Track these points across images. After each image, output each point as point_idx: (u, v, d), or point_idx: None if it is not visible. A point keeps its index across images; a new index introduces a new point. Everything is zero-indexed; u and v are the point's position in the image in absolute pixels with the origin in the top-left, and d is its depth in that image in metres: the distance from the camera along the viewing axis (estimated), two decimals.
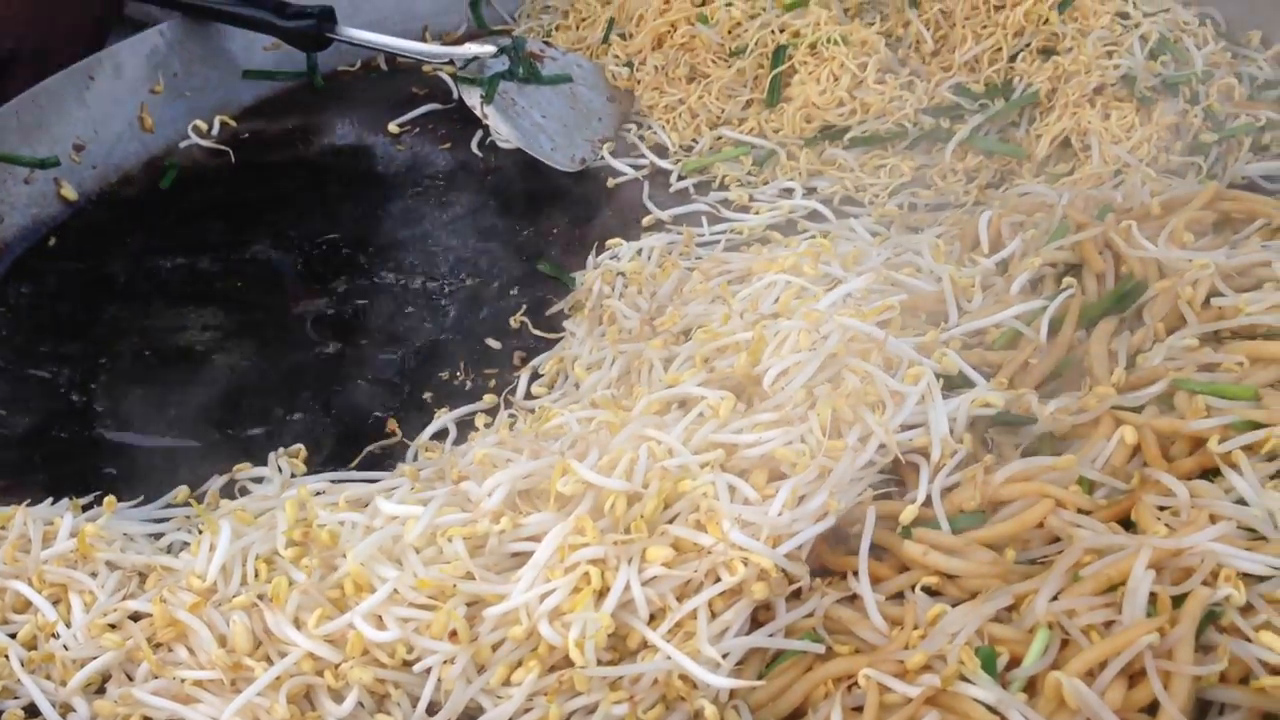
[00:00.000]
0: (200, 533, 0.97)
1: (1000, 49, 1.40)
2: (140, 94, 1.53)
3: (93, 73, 1.50)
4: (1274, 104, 1.36)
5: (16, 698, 0.89)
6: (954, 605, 0.82)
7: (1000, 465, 0.90)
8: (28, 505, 1.01)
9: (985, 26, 1.41)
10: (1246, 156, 1.31)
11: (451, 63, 1.48)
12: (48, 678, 0.89)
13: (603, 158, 1.45)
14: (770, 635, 0.84)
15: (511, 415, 1.13)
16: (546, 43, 1.55)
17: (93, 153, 1.48)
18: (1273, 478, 0.82)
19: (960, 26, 1.42)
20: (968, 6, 1.42)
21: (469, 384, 1.20)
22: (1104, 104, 1.32)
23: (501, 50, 1.49)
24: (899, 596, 0.86)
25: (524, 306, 1.27)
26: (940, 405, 0.94)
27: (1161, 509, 0.81)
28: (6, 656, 0.90)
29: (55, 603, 0.93)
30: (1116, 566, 0.76)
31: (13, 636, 0.92)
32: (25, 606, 0.94)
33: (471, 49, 1.49)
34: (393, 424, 1.15)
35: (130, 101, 1.52)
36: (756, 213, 1.35)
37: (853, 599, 0.86)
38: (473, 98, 1.44)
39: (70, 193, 1.44)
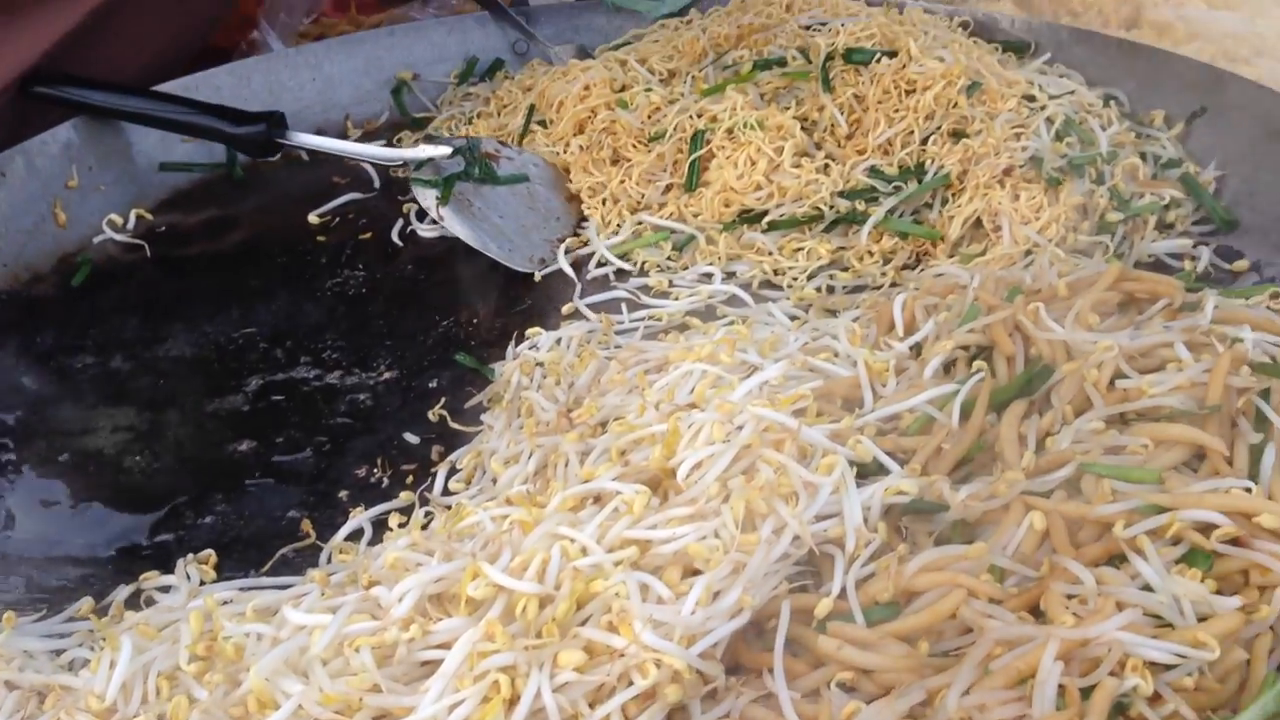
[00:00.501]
0: (102, 648, 0.94)
1: (912, 132, 1.42)
2: (54, 189, 1.52)
3: (3, 169, 1.48)
4: (1177, 183, 1.40)
5: None
6: (869, 701, 0.81)
7: (914, 554, 0.89)
8: None
9: (897, 110, 1.44)
10: (1152, 235, 1.34)
11: (406, 165, 1.47)
12: None
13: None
14: None
15: (428, 513, 1.11)
16: (502, 142, 1.55)
17: (2, 250, 1.45)
18: (1178, 562, 0.82)
19: (873, 110, 1.44)
20: (879, 91, 1.45)
21: (386, 480, 1.18)
22: (1013, 185, 1.34)
23: (456, 151, 1.48)
24: (814, 694, 0.84)
25: (443, 399, 1.26)
26: (854, 495, 0.94)
27: (1070, 597, 0.81)
28: None
29: None
30: (1026, 659, 0.76)
31: None
32: None
33: (426, 150, 1.48)
34: (307, 525, 1.13)
35: (43, 197, 1.51)
36: (676, 298, 1.35)
37: (769, 697, 0.84)
38: (428, 200, 1.43)
39: None
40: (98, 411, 1.29)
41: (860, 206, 1.39)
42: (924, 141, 1.42)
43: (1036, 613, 0.83)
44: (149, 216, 1.57)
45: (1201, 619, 0.79)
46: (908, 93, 1.45)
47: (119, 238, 1.53)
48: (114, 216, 1.55)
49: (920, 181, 1.38)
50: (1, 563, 1.12)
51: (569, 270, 1.41)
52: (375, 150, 1.53)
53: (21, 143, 1.52)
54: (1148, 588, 0.80)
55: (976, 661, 0.77)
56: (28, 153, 1.51)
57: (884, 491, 0.94)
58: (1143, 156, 1.42)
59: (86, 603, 1.05)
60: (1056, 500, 0.89)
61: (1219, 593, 0.80)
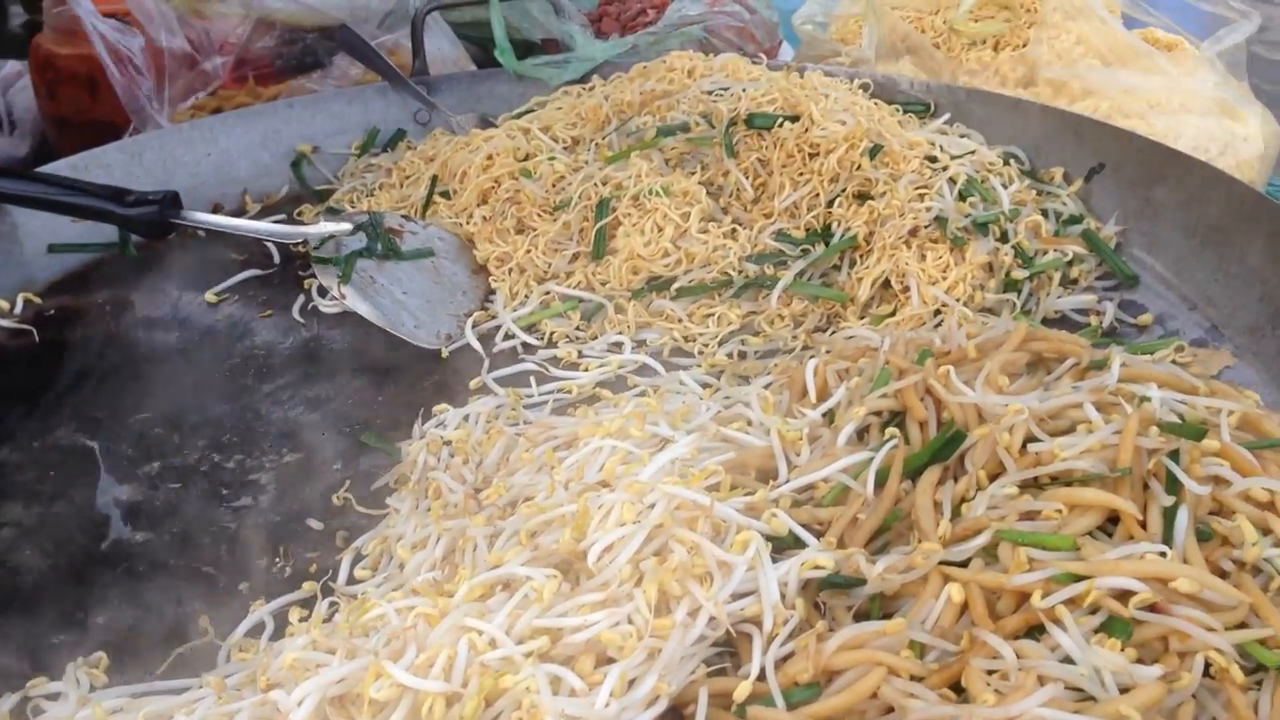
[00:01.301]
0: None
1: (818, 195, 1.42)
2: None
3: None
4: (1079, 239, 1.41)
5: None
6: None
7: (833, 630, 0.87)
8: None
9: (802, 174, 1.44)
10: (1057, 291, 1.35)
11: (305, 242, 1.43)
12: None
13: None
14: None
15: (332, 604, 1.07)
16: (406, 217, 1.52)
17: None
18: (1097, 631, 0.81)
19: (778, 174, 1.44)
20: (783, 155, 1.45)
21: (289, 569, 1.13)
22: (919, 245, 1.34)
23: (358, 227, 1.45)
24: None
25: (348, 482, 1.22)
26: (770, 571, 0.92)
27: (991, 671, 0.79)
28: None
29: None
30: None
31: None
32: None
33: (327, 227, 1.44)
34: (204, 621, 1.08)
35: None
36: (586, 369, 1.33)
37: None
38: (329, 278, 1.39)
39: None
40: None
41: (769, 270, 1.38)
42: (829, 204, 1.42)
43: (958, 689, 0.81)
44: (37, 300, 1.51)
45: (1124, 690, 0.77)
46: (811, 156, 1.45)
47: (5, 323, 1.47)
48: (0, 302, 1.49)
49: (828, 244, 1.38)
50: None
51: (476, 345, 1.38)
52: (273, 228, 1.49)
53: None
54: (1068, 659, 0.79)
55: None
56: None
57: (800, 566, 0.92)
58: (1044, 213, 1.43)
59: None
60: (974, 570, 0.88)
61: (1139, 661, 0.79)
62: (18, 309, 1.49)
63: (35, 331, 1.46)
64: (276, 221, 1.62)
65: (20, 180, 1.51)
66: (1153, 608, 0.81)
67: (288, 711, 0.84)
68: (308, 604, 1.07)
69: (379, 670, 0.83)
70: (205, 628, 1.07)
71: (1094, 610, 0.82)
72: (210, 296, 1.52)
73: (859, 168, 1.42)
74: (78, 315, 1.50)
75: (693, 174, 1.48)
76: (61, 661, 1.05)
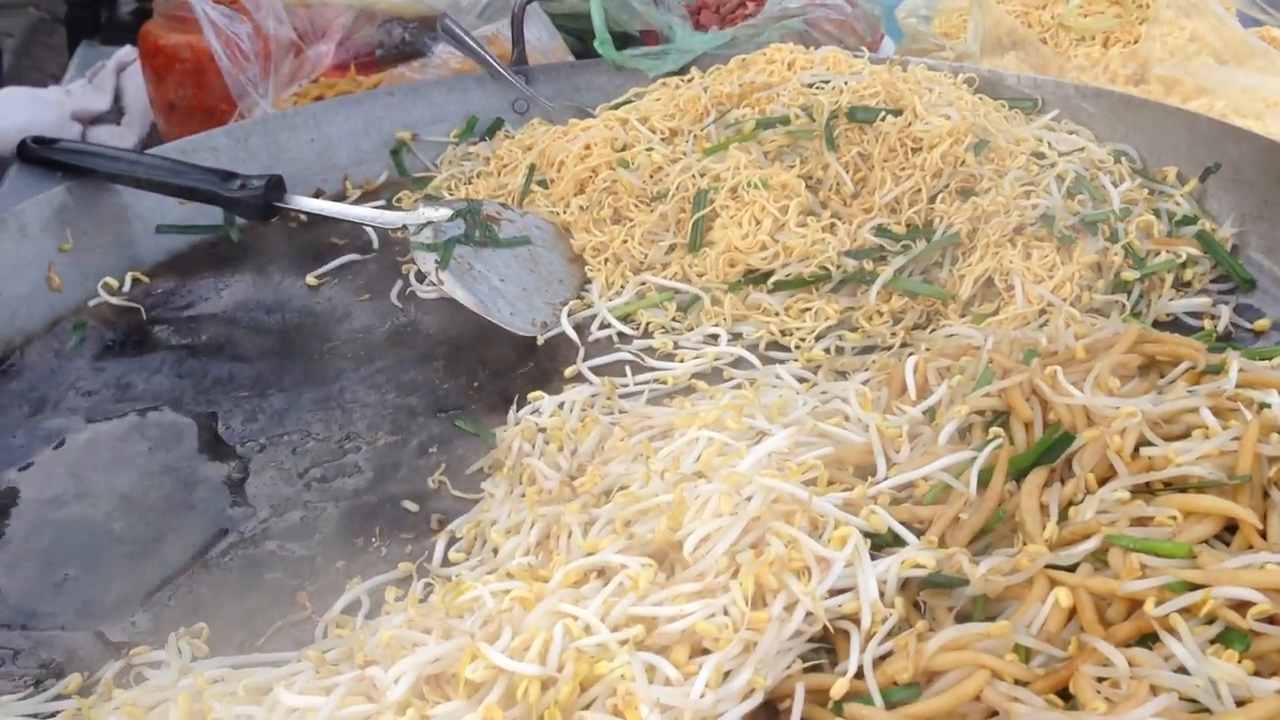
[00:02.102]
0: None
1: (919, 190, 1.40)
2: (48, 252, 1.49)
3: None
4: (1193, 240, 1.37)
5: None
6: None
7: (933, 631, 0.86)
8: None
9: (904, 168, 1.42)
10: (1169, 293, 1.32)
11: (405, 228, 1.45)
12: None
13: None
14: None
15: (427, 584, 1.07)
16: (504, 204, 1.53)
17: None
18: (1213, 641, 0.78)
19: (879, 169, 1.42)
20: (885, 149, 1.43)
21: (384, 550, 1.14)
22: (1025, 243, 1.31)
23: (457, 214, 1.46)
24: None
25: (443, 465, 1.22)
26: (869, 568, 0.90)
27: (1100, 679, 0.77)
28: None
29: None
30: None
31: None
32: None
33: (425, 213, 1.45)
34: (303, 598, 1.09)
35: (37, 260, 1.48)
36: (681, 360, 1.32)
37: None
38: (427, 264, 1.40)
39: None
40: (89, 478, 1.25)
41: (868, 266, 1.36)
42: (931, 200, 1.39)
43: (1064, 695, 0.79)
44: (145, 279, 1.55)
45: (1240, 703, 0.75)
46: (914, 150, 1.42)
47: (114, 301, 1.50)
48: (109, 279, 1.52)
49: (929, 240, 1.36)
50: None
51: (572, 333, 1.38)
52: (373, 213, 1.51)
53: (14, 207, 1.50)
54: (1182, 669, 0.76)
55: None
56: (20, 216, 1.48)
57: (900, 564, 0.91)
58: (1156, 213, 1.39)
59: (73, 680, 1.01)
60: (1082, 575, 0.85)
61: (1257, 674, 0.76)
62: (126, 287, 1.53)
63: (142, 310, 1.50)
64: (376, 207, 1.64)
65: (131, 161, 1.54)
66: (1271, 619, 0.79)
67: (384, 688, 0.85)
68: (402, 584, 1.08)
69: (475, 652, 0.83)
70: (303, 604, 1.09)
71: (1210, 620, 0.79)
72: (310, 280, 1.54)
73: (963, 163, 1.39)
74: (184, 295, 1.54)
75: (791, 167, 1.47)
76: (163, 631, 1.07)
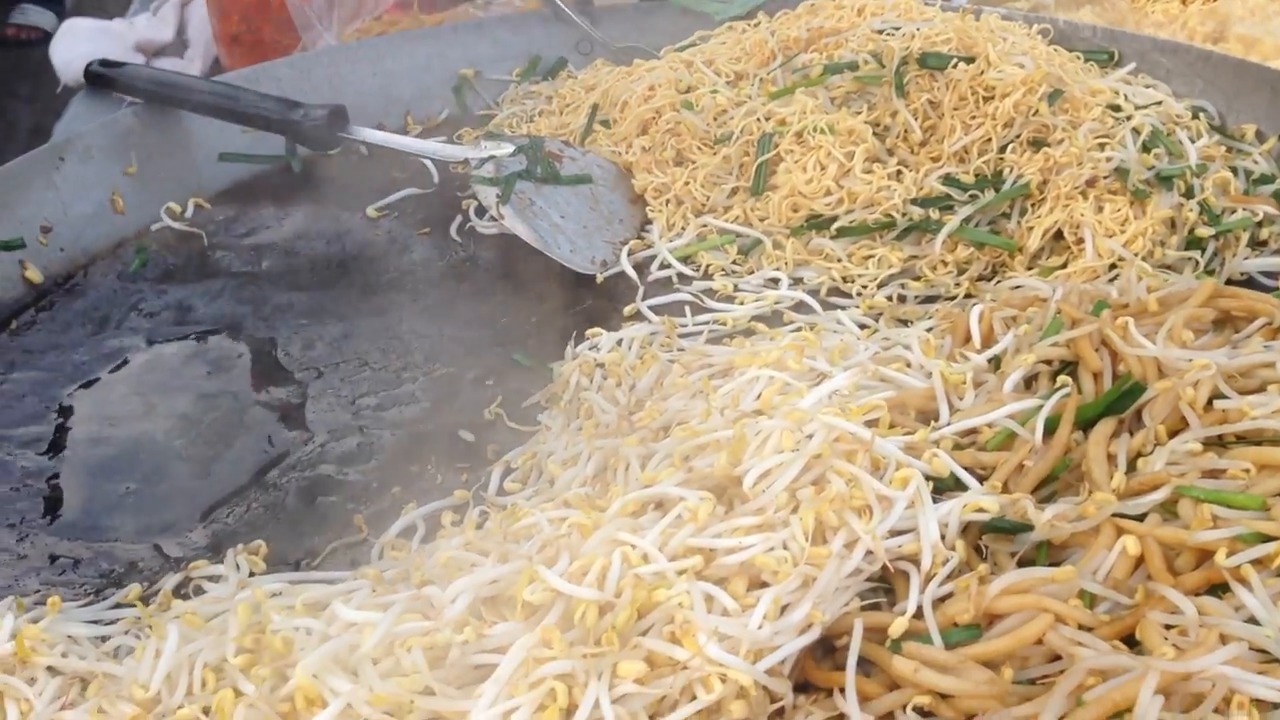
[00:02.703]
0: (148, 637, 0.91)
1: (990, 140, 1.37)
2: (112, 176, 1.50)
3: (63, 154, 1.47)
4: (1270, 199, 1.34)
5: None
6: None
7: (995, 575, 0.85)
8: None
9: (974, 117, 1.39)
10: (1244, 252, 1.29)
11: (467, 162, 1.44)
12: None
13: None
14: None
15: (482, 512, 1.08)
16: (566, 143, 1.52)
17: (60, 235, 1.44)
18: None
19: (949, 117, 1.40)
20: (955, 97, 1.40)
21: (440, 478, 1.15)
22: (1097, 196, 1.29)
23: (519, 149, 1.45)
24: (890, 716, 0.80)
25: (499, 398, 1.22)
26: (930, 510, 0.89)
27: (1168, 627, 0.76)
28: None
29: None
30: (1122, 690, 0.71)
31: None
32: None
33: (488, 148, 1.45)
34: (359, 520, 1.10)
35: (102, 183, 1.49)
36: (741, 303, 1.31)
37: (840, 718, 0.80)
38: (488, 198, 1.40)
39: (35, 275, 1.40)
40: (151, 397, 1.27)
41: (934, 214, 1.34)
42: (1002, 150, 1.37)
43: (1130, 642, 0.78)
44: (207, 206, 1.56)
45: None
46: (985, 99, 1.40)
47: (177, 226, 1.51)
48: (172, 205, 1.53)
49: (998, 190, 1.33)
50: (48, 546, 1.10)
51: (631, 272, 1.38)
52: (436, 147, 1.50)
53: (81, 129, 1.51)
54: (1252, 620, 0.75)
55: (1067, 691, 0.73)
56: (86, 139, 1.50)
57: (963, 508, 0.90)
58: (1234, 171, 1.36)
59: (133, 589, 1.03)
60: (1151, 524, 0.84)
61: None
62: (188, 212, 1.54)
63: (203, 235, 1.51)
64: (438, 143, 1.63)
65: (196, 87, 1.55)
66: None
67: (441, 607, 0.85)
68: (458, 511, 1.09)
69: (533, 574, 0.83)
70: (359, 527, 1.10)
71: None
72: (371, 212, 1.54)
73: (1036, 113, 1.36)
74: (244, 222, 1.54)
75: (858, 113, 1.44)
76: (220, 547, 1.09)
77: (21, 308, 1.38)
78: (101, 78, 1.55)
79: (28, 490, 1.17)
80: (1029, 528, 0.87)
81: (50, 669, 0.90)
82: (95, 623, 0.98)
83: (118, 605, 1.02)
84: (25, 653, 0.89)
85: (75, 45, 2.28)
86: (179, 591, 1.02)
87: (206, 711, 0.82)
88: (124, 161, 1.51)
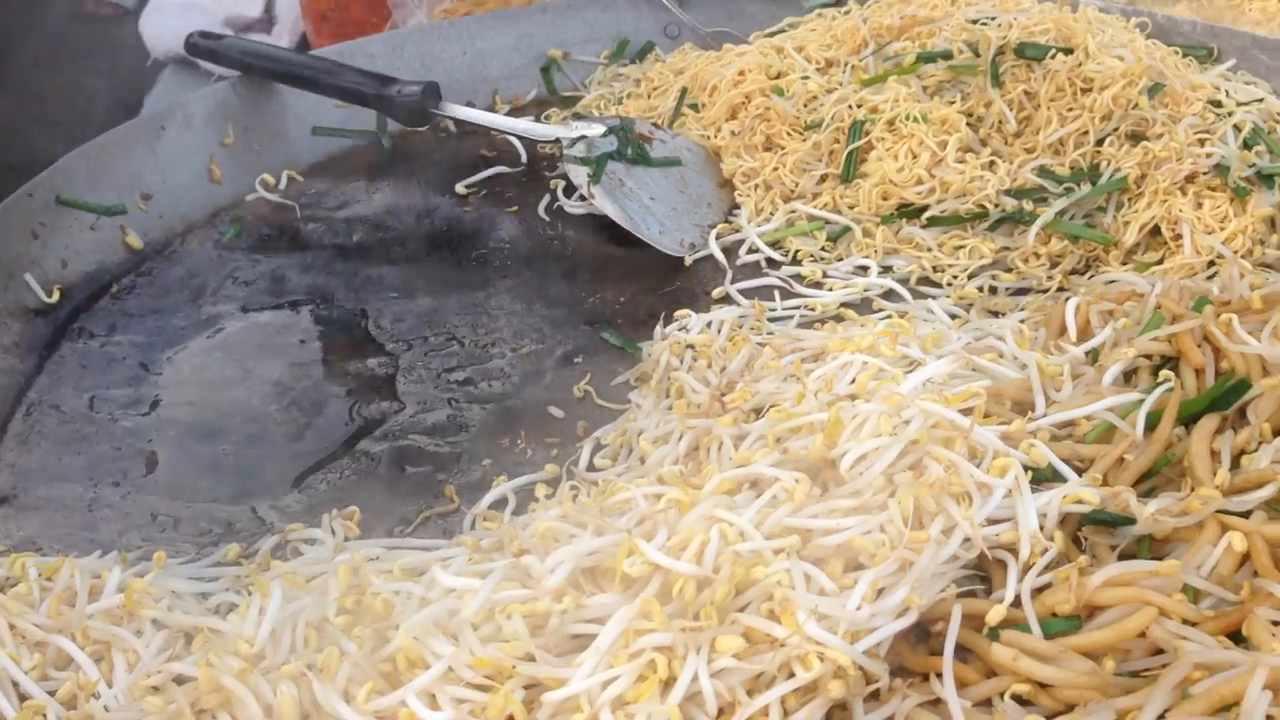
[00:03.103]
0: (249, 594, 0.94)
1: (1087, 132, 1.36)
2: (210, 145, 1.53)
3: (164, 122, 1.50)
4: None
5: None
6: (1048, 718, 0.76)
7: (1095, 567, 0.84)
8: (75, 557, 0.99)
9: (1071, 109, 1.38)
10: None
11: (558, 141, 1.45)
12: None
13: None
14: None
15: (573, 487, 1.09)
16: (655, 125, 1.52)
17: (159, 202, 1.48)
18: None
19: (1045, 108, 1.38)
20: (1053, 88, 1.39)
21: (530, 452, 1.16)
22: (1196, 192, 1.27)
23: (610, 130, 1.46)
24: (986, 704, 0.80)
25: (588, 375, 1.24)
26: (1029, 500, 0.89)
27: (1275, 624, 0.75)
28: (44, 716, 0.86)
29: (98, 660, 0.89)
30: (1230, 685, 0.70)
31: (51, 694, 0.88)
32: (67, 663, 0.91)
33: (580, 128, 1.46)
34: (450, 490, 1.12)
35: (200, 152, 1.52)
36: (830, 289, 1.31)
37: (935, 703, 0.80)
38: (579, 177, 1.41)
39: (135, 241, 1.44)
40: (245, 363, 1.29)
41: (1028, 206, 1.33)
42: (1099, 142, 1.36)
43: (1235, 638, 0.77)
44: (300, 178, 1.58)
45: None
46: (1083, 91, 1.38)
47: (270, 197, 1.54)
48: (266, 176, 1.56)
49: (1094, 184, 1.32)
50: (149, 504, 1.13)
51: (719, 256, 1.38)
52: (529, 125, 1.52)
53: (182, 98, 1.54)
54: None
55: (1173, 685, 0.72)
56: (187, 108, 1.53)
57: (1062, 499, 0.89)
58: None
59: (232, 549, 1.05)
60: (1257, 521, 0.83)
61: None
62: (282, 184, 1.56)
63: (296, 207, 1.53)
64: None
65: (293, 61, 1.57)
66: None
67: (540, 576, 0.86)
68: (550, 484, 1.10)
69: (632, 547, 0.84)
70: (450, 497, 1.11)
71: None
72: (460, 189, 1.55)
73: (1136, 106, 1.35)
74: (335, 196, 1.57)
75: (952, 102, 1.44)
76: (314, 511, 1.11)
77: (122, 272, 1.42)
78: (202, 48, 1.58)
79: (129, 449, 1.20)
80: (1130, 521, 0.87)
81: (155, 622, 0.93)
82: (197, 579, 1.00)
83: (217, 564, 1.04)
84: (133, 605, 0.92)
85: (165, 19, 2.33)
86: (276, 553, 1.05)
87: (310, 669, 0.84)
88: (221, 132, 1.54)
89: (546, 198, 1.53)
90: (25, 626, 0.93)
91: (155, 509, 1.13)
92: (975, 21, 1.51)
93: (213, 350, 1.32)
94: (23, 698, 0.89)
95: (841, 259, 1.36)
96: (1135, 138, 1.34)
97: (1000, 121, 1.41)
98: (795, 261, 1.37)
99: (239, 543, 1.07)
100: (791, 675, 0.79)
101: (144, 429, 1.22)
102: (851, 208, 1.40)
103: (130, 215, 1.44)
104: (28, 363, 1.28)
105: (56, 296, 1.35)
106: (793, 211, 1.42)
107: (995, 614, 0.83)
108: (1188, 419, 0.95)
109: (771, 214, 1.43)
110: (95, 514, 1.13)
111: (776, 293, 1.31)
